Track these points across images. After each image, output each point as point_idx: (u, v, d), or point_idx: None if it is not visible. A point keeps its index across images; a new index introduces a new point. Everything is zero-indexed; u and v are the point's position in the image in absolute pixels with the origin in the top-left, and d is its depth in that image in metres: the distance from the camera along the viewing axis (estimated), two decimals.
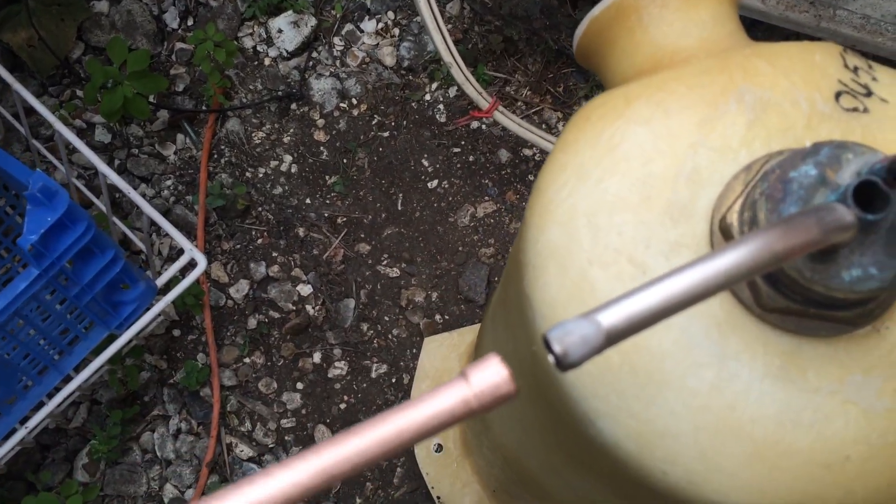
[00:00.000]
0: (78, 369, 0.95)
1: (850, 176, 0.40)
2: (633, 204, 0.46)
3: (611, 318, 0.32)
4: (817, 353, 0.43)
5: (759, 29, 1.27)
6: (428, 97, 1.29)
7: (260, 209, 1.24)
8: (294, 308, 1.20)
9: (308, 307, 1.20)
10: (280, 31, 1.30)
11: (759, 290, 0.42)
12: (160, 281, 0.96)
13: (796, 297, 0.41)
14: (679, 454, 0.43)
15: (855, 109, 0.47)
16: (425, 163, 1.27)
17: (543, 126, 1.27)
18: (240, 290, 1.20)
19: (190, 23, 1.32)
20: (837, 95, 0.47)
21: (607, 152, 0.48)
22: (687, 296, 0.33)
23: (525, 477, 0.78)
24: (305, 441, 1.16)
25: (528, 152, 1.27)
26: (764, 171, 0.43)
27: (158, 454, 1.14)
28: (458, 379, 0.29)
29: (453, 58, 1.07)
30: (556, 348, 0.31)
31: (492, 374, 0.29)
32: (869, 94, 0.48)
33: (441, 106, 1.29)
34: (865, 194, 0.38)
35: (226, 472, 1.13)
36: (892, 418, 0.42)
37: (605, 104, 0.50)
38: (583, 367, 0.46)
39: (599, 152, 0.48)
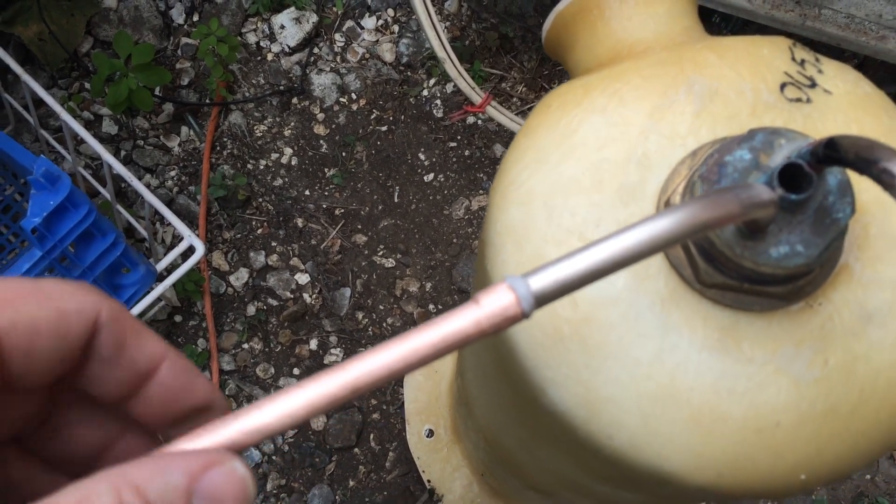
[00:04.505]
0: None
1: (781, 160, 0.43)
2: (586, 186, 0.49)
3: (540, 281, 0.35)
4: (753, 327, 0.46)
5: (750, 29, 1.30)
6: (425, 93, 1.33)
7: (260, 200, 1.28)
8: (292, 296, 1.24)
9: (305, 295, 1.24)
10: (282, 27, 1.34)
11: (698, 267, 0.45)
12: (160, 266, 1.00)
13: (731, 273, 0.44)
14: (623, 420, 0.46)
15: (798, 100, 0.50)
16: (422, 156, 1.30)
17: None
18: (239, 278, 1.24)
19: (195, 18, 1.36)
20: (782, 86, 0.50)
21: (565, 138, 0.51)
22: (614, 261, 0.35)
23: (504, 456, 0.81)
24: (301, 425, 1.19)
25: None
26: (706, 157, 0.46)
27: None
28: (469, 303, 0.32)
29: (447, 54, 1.10)
30: None
31: (500, 298, 0.32)
32: (813, 85, 0.51)
33: (438, 101, 1.32)
34: (793, 176, 0.41)
35: None
36: (820, 388, 0.45)
37: (566, 93, 0.53)
38: (536, 338, 0.49)
39: (558, 138, 0.51)
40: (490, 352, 0.59)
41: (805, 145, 0.42)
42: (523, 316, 0.34)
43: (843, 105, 0.50)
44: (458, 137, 1.30)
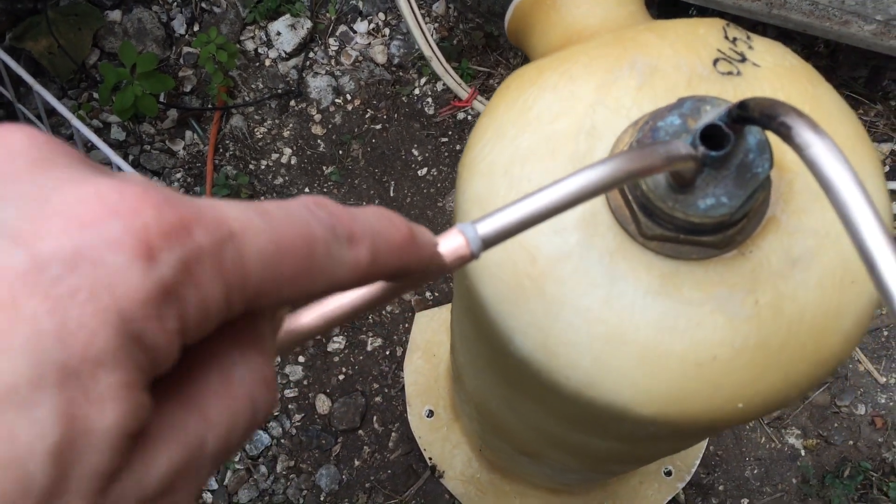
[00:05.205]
0: None
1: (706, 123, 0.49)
2: (541, 156, 0.55)
3: (486, 227, 0.41)
4: (691, 273, 0.51)
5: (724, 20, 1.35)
6: (417, 91, 1.39)
7: (262, 198, 1.34)
8: None
9: None
10: (279, 33, 1.40)
11: (640, 221, 0.51)
12: None
13: (668, 225, 0.50)
14: (578, 360, 0.52)
15: (730, 73, 0.56)
16: (415, 152, 1.36)
17: None
18: None
19: (196, 28, 1.42)
20: (715, 62, 0.56)
21: (521, 114, 0.56)
22: (550, 207, 0.41)
23: (492, 420, 0.86)
24: (307, 409, 1.25)
25: None
26: (643, 124, 0.52)
27: None
28: None
29: (433, 53, 1.16)
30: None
31: (452, 241, 0.38)
32: (743, 59, 0.56)
33: (429, 99, 1.38)
34: (714, 136, 0.47)
35: None
36: (752, 325, 0.51)
37: (522, 75, 0.59)
38: (501, 293, 0.55)
39: (515, 114, 0.57)
40: (468, 315, 0.65)
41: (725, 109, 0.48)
42: (472, 256, 0.40)
43: (770, 76, 0.56)
44: (450, 133, 1.36)
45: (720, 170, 0.48)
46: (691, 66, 0.56)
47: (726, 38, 0.58)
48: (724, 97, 0.56)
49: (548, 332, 0.53)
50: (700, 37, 0.57)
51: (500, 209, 0.41)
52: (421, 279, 0.38)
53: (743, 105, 0.45)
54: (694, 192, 0.48)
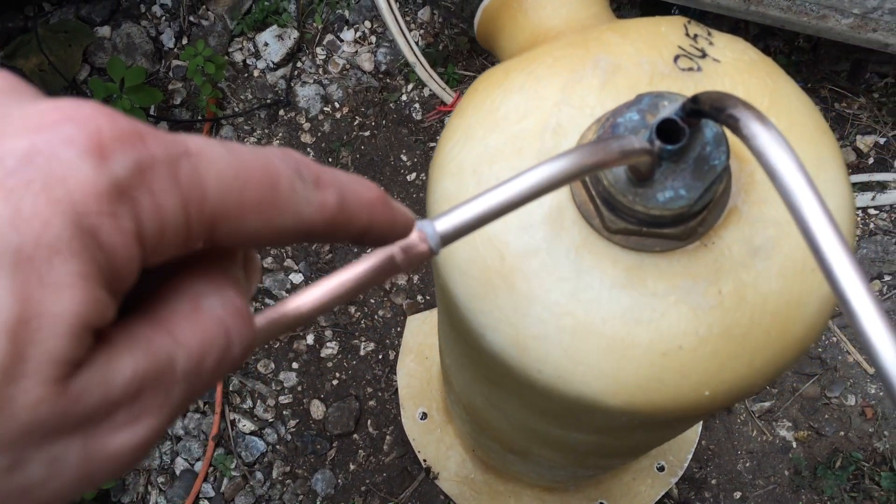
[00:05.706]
0: None
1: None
2: (508, 155, 0.56)
3: (444, 224, 0.42)
4: (655, 266, 0.53)
5: (707, 19, 1.37)
6: (404, 98, 1.40)
7: None
8: (287, 295, 1.31)
9: None
10: (266, 44, 1.42)
11: (603, 216, 0.52)
12: None
13: (630, 219, 0.51)
14: (548, 353, 0.53)
15: (690, 69, 0.57)
16: (404, 157, 1.37)
17: None
18: None
19: (185, 42, 1.44)
20: (676, 58, 0.57)
21: (489, 114, 0.58)
22: (507, 203, 0.42)
23: (478, 419, 0.88)
24: (302, 415, 1.26)
25: None
26: (604, 120, 0.53)
27: (169, 430, 1.25)
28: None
29: (417, 58, 1.17)
30: None
31: (412, 238, 0.40)
32: (704, 55, 0.58)
33: (417, 105, 1.40)
34: (671, 130, 0.48)
35: (230, 445, 1.24)
36: (715, 314, 0.52)
37: (490, 77, 0.60)
38: (472, 290, 0.56)
39: (483, 115, 0.58)
40: (446, 314, 0.66)
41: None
42: (431, 252, 0.42)
43: (730, 71, 0.57)
44: (437, 138, 1.38)
45: (678, 163, 0.49)
46: (653, 64, 0.57)
47: (687, 34, 0.59)
48: (685, 93, 0.57)
49: (518, 327, 0.54)
50: (662, 35, 0.58)
51: (457, 206, 0.43)
52: (391, 271, 0.39)
53: (695, 99, 0.46)
54: (653, 186, 0.49)
